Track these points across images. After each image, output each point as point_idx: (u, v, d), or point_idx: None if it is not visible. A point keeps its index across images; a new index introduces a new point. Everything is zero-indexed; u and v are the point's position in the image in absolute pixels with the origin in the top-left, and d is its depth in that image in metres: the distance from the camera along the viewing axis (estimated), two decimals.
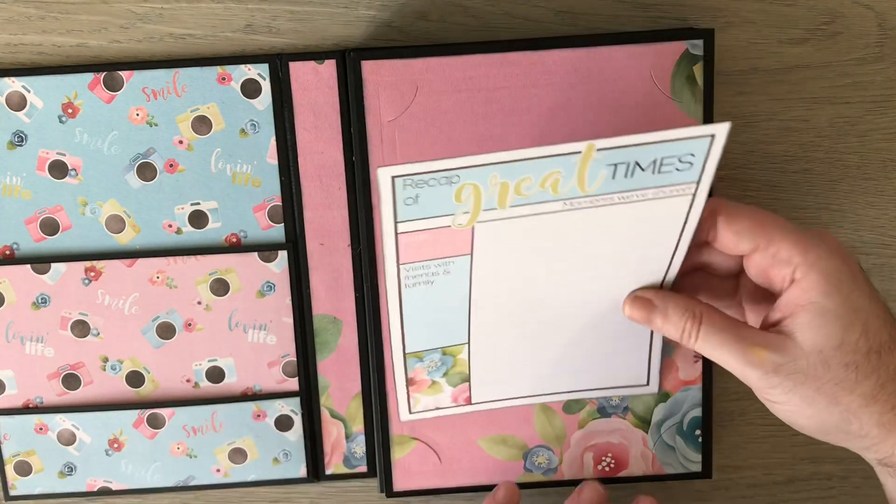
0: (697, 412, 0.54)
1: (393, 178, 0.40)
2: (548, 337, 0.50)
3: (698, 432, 0.54)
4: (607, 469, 0.55)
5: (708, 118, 0.50)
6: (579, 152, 0.40)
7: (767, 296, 0.46)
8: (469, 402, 0.53)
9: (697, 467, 0.55)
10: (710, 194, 0.43)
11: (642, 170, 0.41)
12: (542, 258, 0.46)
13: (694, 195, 0.43)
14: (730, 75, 0.52)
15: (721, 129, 0.40)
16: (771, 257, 0.43)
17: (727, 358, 0.43)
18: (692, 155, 0.41)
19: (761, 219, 0.43)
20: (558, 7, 0.51)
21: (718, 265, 0.47)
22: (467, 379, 0.52)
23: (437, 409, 0.53)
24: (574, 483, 0.54)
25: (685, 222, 0.44)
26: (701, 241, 0.45)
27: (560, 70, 0.49)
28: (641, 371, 0.53)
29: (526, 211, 0.43)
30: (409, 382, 0.51)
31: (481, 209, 0.42)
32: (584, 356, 0.51)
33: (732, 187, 0.54)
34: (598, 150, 0.40)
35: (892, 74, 0.53)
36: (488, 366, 0.51)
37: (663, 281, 0.47)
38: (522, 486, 0.54)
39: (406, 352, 0.50)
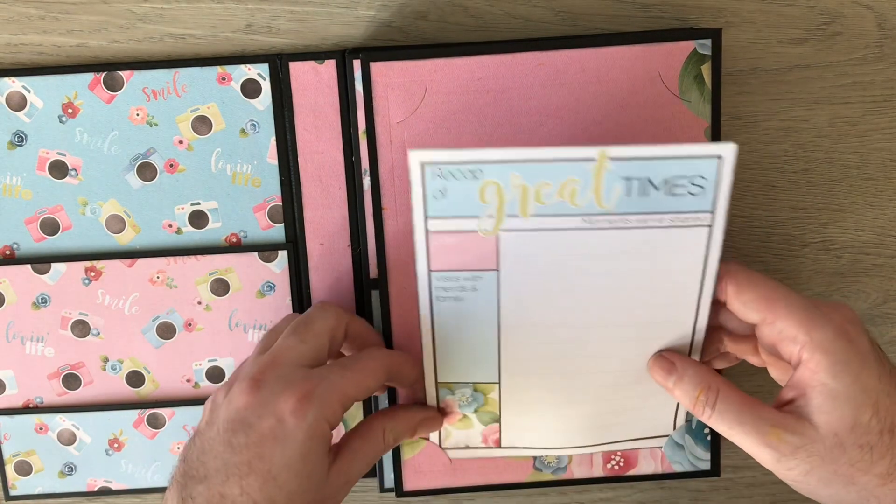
0: None
1: (423, 164, 0.41)
2: (578, 389, 0.49)
3: (707, 430, 0.54)
4: (616, 468, 0.55)
5: (716, 117, 0.50)
6: (593, 159, 0.41)
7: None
8: (499, 444, 0.53)
9: (706, 465, 0.55)
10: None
11: (656, 188, 0.41)
12: (566, 286, 0.45)
13: (710, 227, 0.43)
14: (730, 75, 0.52)
15: (728, 150, 0.40)
16: (777, 333, 0.43)
17: (743, 437, 0.43)
18: (703, 178, 0.41)
19: (769, 292, 0.43)
20: (558, 7, 0.51)
21: (734, 327, 0.47)
22: (497, 420, 0.51)
23: (468, 447, 0.53)
24: (584, 482, 0.54)
25: (705, 261, 0.44)
26: (717, 301, 0.45)
27: (569, 70, 0.49)
28: (668, 423, 0.52)
29: (547, 224, 0.43)
30: (442, 412, 0.51)
31: (504, 214, 0.43)
32: (616, 411, 0.51)
33: (733, 188, 0.53)
34: (611, 158, 0.40)
35: (892, 74, 0.53)
36: (519, 411, 0.51)
37: (693, 336, 0.47)
38: (532, 485, 0.55)
39: (438, 381, 0.50)
